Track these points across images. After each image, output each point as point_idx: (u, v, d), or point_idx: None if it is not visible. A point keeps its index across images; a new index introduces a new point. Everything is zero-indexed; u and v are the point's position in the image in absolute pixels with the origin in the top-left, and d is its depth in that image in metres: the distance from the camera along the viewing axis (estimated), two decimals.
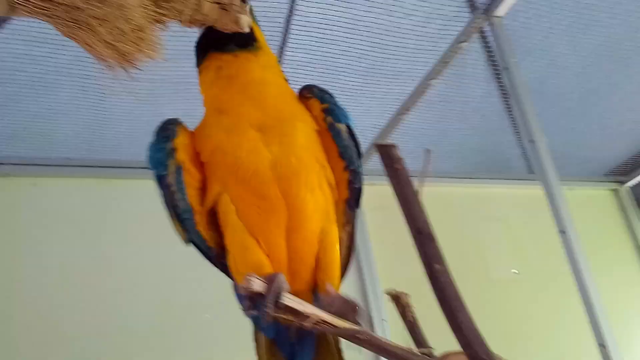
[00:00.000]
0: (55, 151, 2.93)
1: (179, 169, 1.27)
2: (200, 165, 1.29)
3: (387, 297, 1.77)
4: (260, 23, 2.77)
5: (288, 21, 2.78)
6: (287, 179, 1.23)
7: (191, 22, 1.03)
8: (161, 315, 2.80)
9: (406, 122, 3.21)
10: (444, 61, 2.62)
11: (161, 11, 0.98)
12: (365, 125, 3.35)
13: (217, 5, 1.03)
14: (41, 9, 0.88)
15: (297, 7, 2.74)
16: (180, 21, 1.02)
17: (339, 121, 1.32)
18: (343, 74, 3.07)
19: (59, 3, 0.87)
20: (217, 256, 1.40)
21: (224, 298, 2.70)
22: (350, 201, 1.39)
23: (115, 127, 2.85)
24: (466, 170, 3.81)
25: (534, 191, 2.65)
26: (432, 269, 1.57)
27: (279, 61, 2.90)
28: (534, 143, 2.11)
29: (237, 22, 1.06)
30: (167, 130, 1.28)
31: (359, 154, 1.36)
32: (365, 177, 3.40)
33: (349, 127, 1.34)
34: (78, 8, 0.87)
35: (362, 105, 3.26)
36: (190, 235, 1.35)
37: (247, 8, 1.09)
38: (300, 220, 1.27)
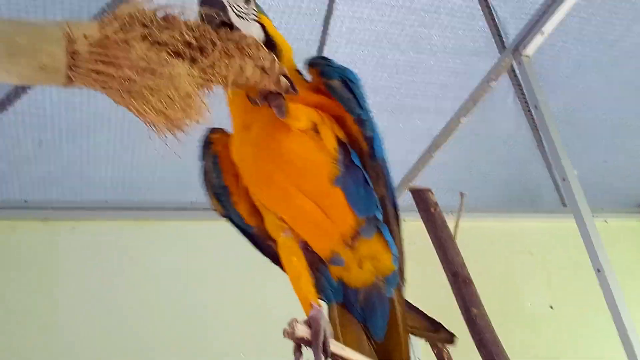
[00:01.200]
0: (93, 194, 3.00)
1: (215, 157, 1.46)
2: None
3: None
4: None
5: None
6: (267, 146, 1.31)
7: (234, 85, 1.07)
8: (197, 355, 2.83)
9: (435, 155, 3.21)
10: (473, 99, 2.63)
11: (207, 77, 1.02)
12: (395, 162, 3.32)
13: (259, 69, 1.08)
14: (97, 81, 0.94)
15: (325, 48, 2.80)
16: (225, 85, 1.06)
17: (331, 78, 1.35)
18: (371, 111, 3.11)
19: (114, 76, 0.93)
20: (257, 236, 1.51)
21: (261, 337, 2.74)
22: (370, 152, 1.40)
23: (150, 169, 2.92)
24: (497, 203, 3.78)
25: (567, 224, 2.61)
26: (469, 313, 1.59)
27: None
28: (566, 181, 2.11)
29: (278, 83, 1.11)
30: (207, 130, 1.49)
31: (360, 104, 1.38)
32: None
33: (343, 81, 1.36)
34: (132, 80, 0.92)
35: (391, 142, 3.26)
36: (227, 212, 1.49)
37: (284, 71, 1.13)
38: (304, 176, 1.33)
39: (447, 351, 1.85)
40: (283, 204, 1.36)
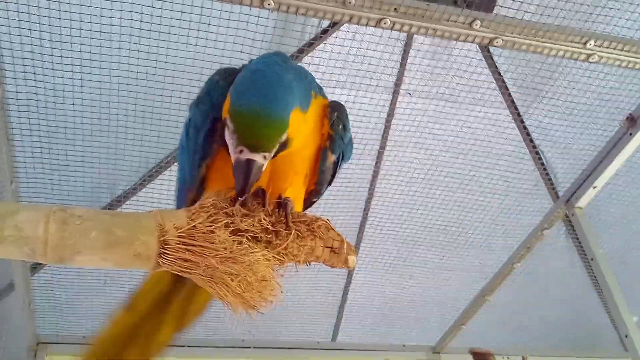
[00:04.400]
0: None
1: None
2: None
3: None
4: (341, 210, 2.90)
5: (367, 202, 2.93)
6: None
7: (304, 263, 1.14)
8: None
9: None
10: (527, 246, 2.63)
11: (280, 258, 1.10)
12: (447, 298, 3.33)
13: (328, 249, 1.14)
14: (182, 267, 1.02)
15: (376, 187, 2.89)
16: (296, 263, 1.13)
17: (333, 150, 1.35)
18: (422, 248, 3.14)
19: (198, 264, 1.01)
20: None
21: None
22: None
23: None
24: (553, 345, 3.62)
25: None
26: None
27: (358, 245, 3.02)
28: (628, 338, 2.04)
29: (346, 262, 1.17)
30: None
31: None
32: (447, 355, 3.28)
33: (337, 160, 1.37)
34: (215, 267, 1.00)
35: (444, 277, 3.27)
36: None
37: (353, 248, 1.19)
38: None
39: None
40: None
